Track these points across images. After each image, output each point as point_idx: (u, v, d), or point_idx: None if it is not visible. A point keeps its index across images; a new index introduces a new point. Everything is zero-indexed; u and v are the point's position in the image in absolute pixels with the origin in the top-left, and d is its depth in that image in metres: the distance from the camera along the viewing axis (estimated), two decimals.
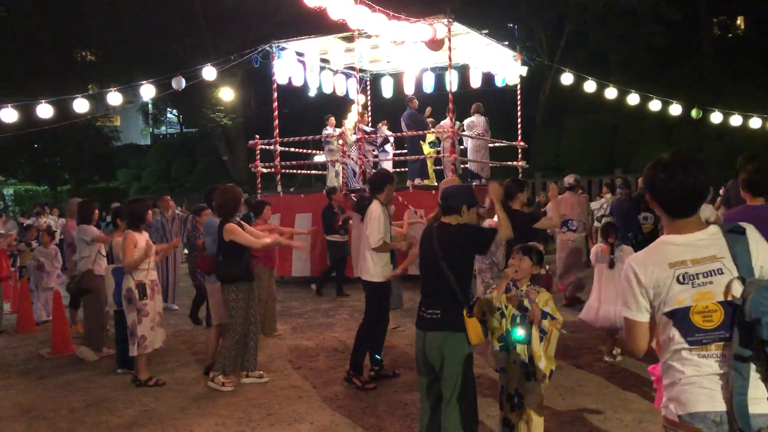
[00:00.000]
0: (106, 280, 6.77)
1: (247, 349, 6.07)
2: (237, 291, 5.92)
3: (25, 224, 11.16)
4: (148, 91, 13.55)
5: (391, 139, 14.08)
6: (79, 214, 7.56)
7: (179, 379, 6.37)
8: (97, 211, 7.67)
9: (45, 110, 13.03)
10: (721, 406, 2.17)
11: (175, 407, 5.55)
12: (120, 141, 32.96)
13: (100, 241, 7.40)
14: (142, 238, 6.27)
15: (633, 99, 15.46)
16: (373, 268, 5.80)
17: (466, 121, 13.15)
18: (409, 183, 12.64)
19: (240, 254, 5.93)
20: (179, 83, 12.66)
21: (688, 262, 2.24)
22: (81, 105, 13.62)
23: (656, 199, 2.35)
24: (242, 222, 6.23)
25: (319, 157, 14.92)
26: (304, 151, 14.79)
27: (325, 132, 13.72)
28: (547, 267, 7.85)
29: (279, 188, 13.19)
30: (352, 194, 12.38)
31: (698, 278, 2.22)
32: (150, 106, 33.56)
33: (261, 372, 6.21)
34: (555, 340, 4.02)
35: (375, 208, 5.82)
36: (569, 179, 9.25)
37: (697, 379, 2.21)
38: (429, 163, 12.84)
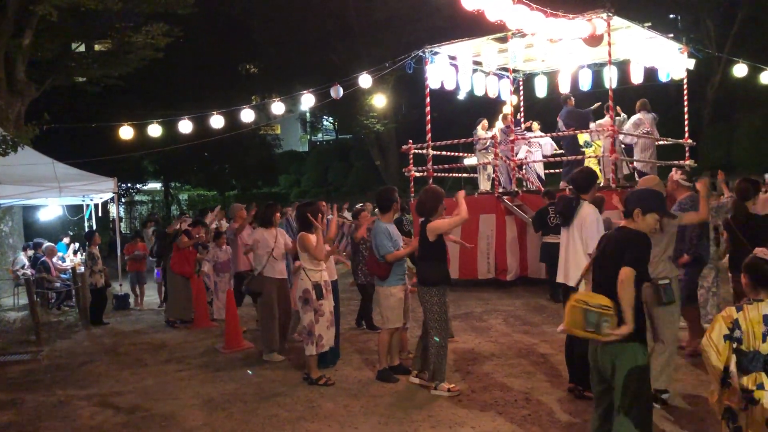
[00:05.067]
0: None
1: (427, 351, 6.09)
2: (439, 295, 5.90)
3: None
4: (307, 101, 14.21)
5: (542, 140, 13.75)
6: (261, 217, 7.98)
7: (342, 377, 6.58)
8: (278, 215, 8.01)
9: (216, 121, 14.11)
10: None
11: (339, 404, 5.75)
12: (281, 148, 34.91)
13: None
14: (315, 239, 6.42)
15: None
16: (574, 271, 5.34)
17: (631, 119, 12.56)
18: (562, 184, 12.27)
19: (440, 257, 5.90)
20: (337, 92, 13.15)
21: None
22: (247, 115, 14.59)
23: None
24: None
25: (469, 160, 14.87)
26: (455, 154, 14.81)
27: (476, 134, 13.67)
28: None
29: None
30: (506, 196, 12.23)
31: None
32: (308, 114, 35.21)
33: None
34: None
35: (590, 211, 5.39)
36: None
37: None
38: (592, 163, 12.34)
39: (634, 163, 12.75)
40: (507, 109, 13.83)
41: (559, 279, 5.62)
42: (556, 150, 13.96)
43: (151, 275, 13.04)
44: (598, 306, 3.64)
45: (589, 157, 12.46)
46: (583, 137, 12.57)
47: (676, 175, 6.24)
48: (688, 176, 6.23)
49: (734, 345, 3.53)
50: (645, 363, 3.69)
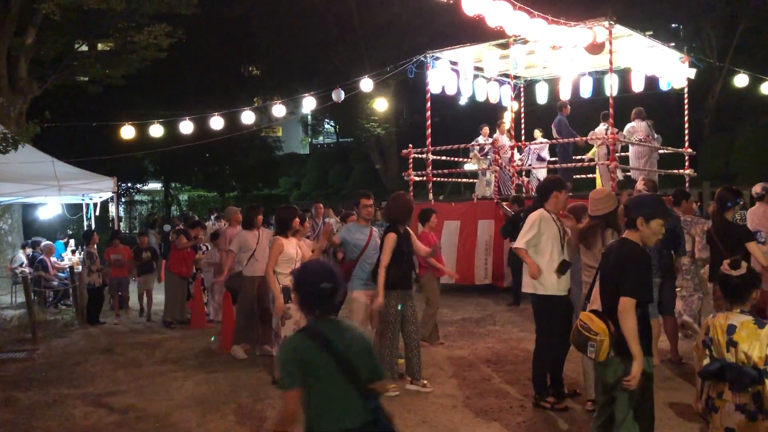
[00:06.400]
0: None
1: (410, 356, 6.11)
2: (397, 299, 5.96)
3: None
4: (309, 103, 14.24)
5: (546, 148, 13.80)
6: (243, 219, 8.08)
7: None
8: (260, 217, 8.10)
9: (217, 122, 14.13)
10: None
11: None
12: (282, 150, 34.93)
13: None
14: (291, 243, 6.38)
15: None
16: (540, 279, 5.37)
17: (626, 127, 12.59)
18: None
19: (397, 261, 5.91)
20: (339, 95, 13.17)
21: None
22: (248, 117, 14.60)
23: None
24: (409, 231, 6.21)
25: (470, 165, 14.88)
26: (455, 159, 14.81)
27: (476, 141, 13.70)
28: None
29: (430, 196, 13.29)
30: (504, 203, 12.24)
31: None
32: (309, 117, 35.23)
33: (425, 381, 6.15)
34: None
35: (534, 213, 5.46)
36: (757, 188, 8.48)
37: None
38: (597, 171, 12.41)
39: (631, 171, 12.77)
40: (507, 117, 13.87)
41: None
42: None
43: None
44: (587, 329, 3.64)
45: (595, 163, 12.52)
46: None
47: (639, 185, 6.38)
48: (652, 186, 6.35)
49: (706, 351, 3.56)
50: (649, 373, 3.66)
